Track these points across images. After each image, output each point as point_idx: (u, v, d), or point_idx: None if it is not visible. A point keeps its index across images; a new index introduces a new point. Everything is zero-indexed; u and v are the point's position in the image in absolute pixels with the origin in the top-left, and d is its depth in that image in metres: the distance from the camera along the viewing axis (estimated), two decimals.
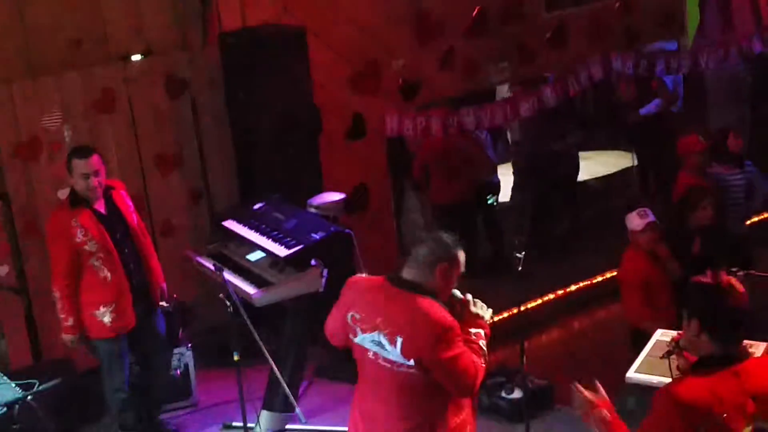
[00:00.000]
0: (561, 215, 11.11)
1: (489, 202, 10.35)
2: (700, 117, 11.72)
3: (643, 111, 11.16)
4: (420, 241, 4.69)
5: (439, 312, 4.48)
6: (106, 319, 6.60)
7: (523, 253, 6.23)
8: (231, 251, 7.32)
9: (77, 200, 6.59)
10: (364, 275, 5.23)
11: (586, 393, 4.14)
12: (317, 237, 6.80)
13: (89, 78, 7.82)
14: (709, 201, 7.90)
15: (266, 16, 8.48)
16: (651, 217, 7.44)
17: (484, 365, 4.60)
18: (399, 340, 4.48)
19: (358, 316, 4.64)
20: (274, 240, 7.00)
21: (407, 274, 4.61)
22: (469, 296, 4.77)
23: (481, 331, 4.69)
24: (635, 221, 7.45)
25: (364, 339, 4.62)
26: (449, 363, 4.45)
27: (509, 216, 11.25)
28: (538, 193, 10.85)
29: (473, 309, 4.72)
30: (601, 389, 4.17)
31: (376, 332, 4.55)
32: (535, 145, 10.80)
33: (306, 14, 8.53)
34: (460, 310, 4.69)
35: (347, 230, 6.92)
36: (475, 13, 9.63)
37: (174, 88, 8.20)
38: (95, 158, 6.58)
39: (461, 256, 4.64)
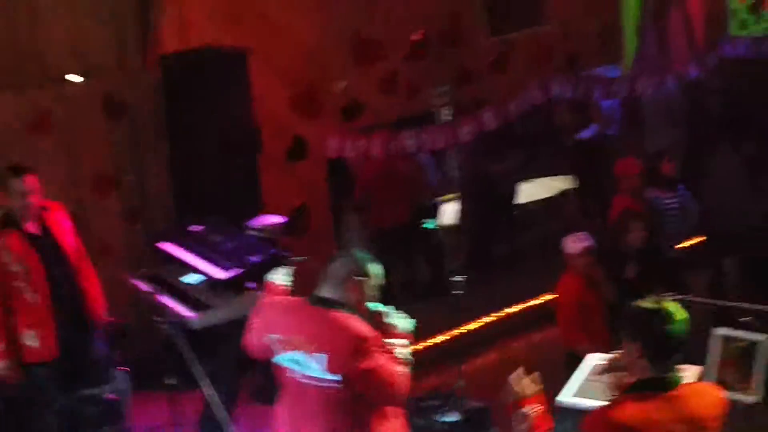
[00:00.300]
0: (500, 238, 11.16)
1: (426, 226, 10.35)
2: (637, 140, 11.85)
3: (580, 135, 11.27)
4: (334, 258, 4.80)
5: (356, 324, 4.58)
6: (32, 343, 6.50)
7: (463, 276, 6.25)
8: (168, 273, 7.26)
9: (7, 221, 6.49)
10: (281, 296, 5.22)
11: (519, 387, 4.17)
12: (256, 260, 6.78)
13: (25, 99, 7.74)
14: (641, 224, 7.98)
15: (207, 38, 8.45)
16: (587, 242, 7.51)
17: (405, 373, 4.66)
18: (321, 357, 4.55)
19: (278, 337, 4.71)
20: (212, 262, 6.96)
21: (324, 291, 4.70)
22: (384, 307, 4.83)
23: (401, 340, 4.75)
24: (572, 245, 7.52)
25: (283, 358, 4.70)
26: (369, 373, 4.52)
27: (449, 239, 11.28)
28: (477, 215, 10.89)
29: (386, 320, 4.79)
30: (538, 382, 4.20)
31: (297, 351, 4.62)
32: (476, 168, 10.84)
33: (247, 36, 8.51)
34: (378, 321, 4.76)
35: (284, 253, 6.89)
36: (417, 36, 9.68)
37: (113, 110, 8.14)
38: (31, 177, 6.51)
39: (373, 269, 4.75)
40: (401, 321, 4.83)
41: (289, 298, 5.00)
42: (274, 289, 5.22)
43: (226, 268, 6.81)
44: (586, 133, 11.28)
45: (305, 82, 9.07)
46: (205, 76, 8.07)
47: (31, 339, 6.49)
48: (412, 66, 9.73)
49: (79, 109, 8.01)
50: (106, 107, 8.12)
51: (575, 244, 7.50)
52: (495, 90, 10.38)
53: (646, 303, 4.02)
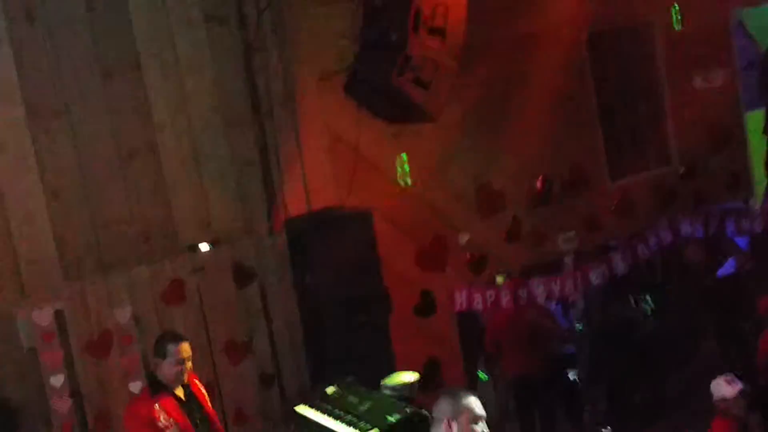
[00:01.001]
0: (639, 384, 10.80)
1: (572, 379, 10.11)
2: None
3: (720, 272, 10.95)
4: (435, 401, 4.93)
5: None
6: None
7: (609, 428, 6.01)
8: None
9: (159, 387, 6.62)
10: None
11: None
12: (393, 420, 6.64)
13: (158, 270, 7.89)
14: None
15: (331, 200, 8.55)
16: (740, 384, 7.17)
17: None
18: None
19: None
20: (349, 424, 6.84)
21: None
22: None
23: None
24: (725, 388, 7.17)
25: None
26: None
27: (585, 387, 10.99)
28: (614, 361, 10.59)
29: None
30: None
31: None
32: (606, 313, 10.62)
33: (370, 197, 8.58)
34: None
35: (423, 411, 6.74)
36: (540, 183, 9.64)
37: (242, 276, 8.22)
38: (186, 344, 6.69)
39: (469, 404, 4.79)
40: None
41: None
42: None
43: (363, 430, 6.68)
44: (725, 270, 10.96)
45: (430, 236, 9.05)
46: (331, 237, 8.10)
47: None
48: (535, 213, 9.65)
49: (210, 278, 8.10)
50: (235, 274, 8.20)
51: (728, 386, 7.16)
52: (620, 233, 10.20)
53: None
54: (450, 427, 4.76)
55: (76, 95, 7.62)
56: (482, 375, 10.44)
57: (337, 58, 8.39)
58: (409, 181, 8.79)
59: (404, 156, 8.44)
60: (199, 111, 8.08)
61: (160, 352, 6.67)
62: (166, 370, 6.63)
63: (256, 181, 8.34)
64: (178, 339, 6.72)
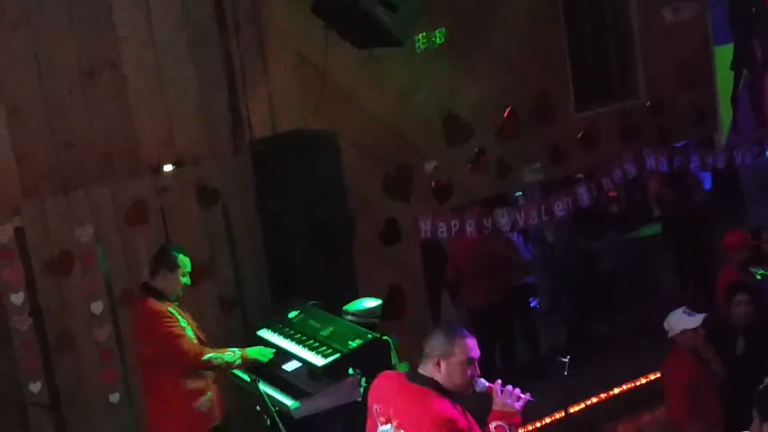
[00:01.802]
0: (599, 317, 10.93)
1: (532, 305, 10.20)
2: (736, 212, 11.59)
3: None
4: (429, 334, 4.81)
5: (440, 405, 4.54)
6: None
7: (568, 357, 6.05)
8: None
9: (161, 296, 6.81)
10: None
11: None
12: (354, 345, 6.67)
13: (121, 190, 7.80)
14: (747, 297, 7.73)
15: (297, 122, 8.46)
16: (700, 316, 7.23)
17: None
18: None
19: (378, 408, 4.79)
20: (311, 349, 6.87)
21: (421, 368, 4.73)
22: (498, 385, 4.78)
23: (502, 424, 4.68)
24: (686, 320, 7.22)
25: (381, 431, 4.73)
26: None
27: (544, 317, 11.12)
28: (576, 294, 10.69)
29: (499, 399, 4.74)
30: None
31: (389, 424, 4.68)
32: (572, 246, 10.68)
33: (337, 122, 8.50)
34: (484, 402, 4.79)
35: (385, 337, 6.77)
36: (506, 114, 9.60)
37: (206, 197, 8.15)
38: None
39: (463, 345, 4.69)
40: (513, 399, 4.74)
41: (398, 372, 5.05)
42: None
43: (324, 355, 6.71)
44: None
45: (396, 164, 9.01)
46: (296, 160, 8.03)
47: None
48: (501, 144, 9.62)
49: (173, 198, 8.02)
50: (199, 195, 8.12)
51: (690, 318, 7.22)
52: (587, 166, 10.21)
53: None
54: (438, 365, 4.65)
55: (37, 7, 7.42)
56: None
57: None
58: None
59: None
60: (163, 27, 7.89)
61: (168, 264, 6.84)
62: (171, 281, 6.83)
63: (221, 101, 8.21)
64: (185, 251, 6.90)
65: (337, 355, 6.66)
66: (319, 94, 8.39)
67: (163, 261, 6.91)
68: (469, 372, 4.70)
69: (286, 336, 7.17)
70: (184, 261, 6.95)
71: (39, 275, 7.51)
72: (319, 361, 6.68)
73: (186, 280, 6.99)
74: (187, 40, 8.01)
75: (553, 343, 10.58)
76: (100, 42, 7.69)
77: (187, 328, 6.84)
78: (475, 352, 4.74)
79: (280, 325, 7.35)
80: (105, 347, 7.73)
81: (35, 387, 7.48)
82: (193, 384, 6.86)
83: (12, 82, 7.41)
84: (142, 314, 6.92)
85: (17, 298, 7.42)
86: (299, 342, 7.03)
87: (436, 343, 4.70)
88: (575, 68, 10.06)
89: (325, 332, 7.00)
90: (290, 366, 6.96)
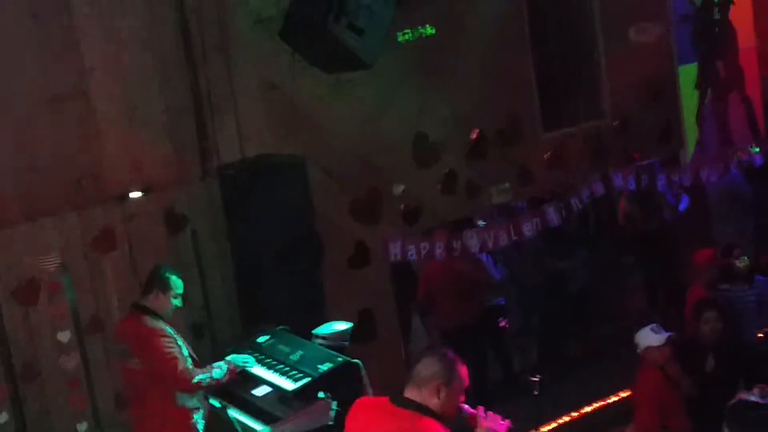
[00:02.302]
0: (570, 335, 10.95)
1: (501, 325, 10.21)
2: (704, 229, 11.67)
3: (681, 206, 11.08)
4: (419, 359, 4.74)
5: (431, 428, 4.50)
6: None
7: (539, 376, 6.07)
8: (236, 387, 7.13)
9: (157, 316, 6.80)
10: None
11: None
12: (324, 369, 6.65)
13: (88, 217, 7.76)
14: (716, 314, 7.77)
15: (264, 148, 8.46)
16: (666, 333, 7.27)
17: None
18: None
19: None
20: (281, 374, 6.85)
21: (409, 393, 4.64)
22: (481, 411, 4.76)
23: None
24: (651, 337, 7.27)
25: None
26: None
27: (515, 337, 11.12)
28: (545, 312, 10.72)
29: (484, 423, 4.71)
30: None
31: None
32: (541, 266, 10.71)
33: (304, 146, 8.52)
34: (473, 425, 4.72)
35: (355, 360, 6.76)
36: (474, 135, 9.64)
37: (174, 224, 8.12)
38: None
39: (463, 374, 4.67)
40: (497, 424, 4.73)
41: (377, 398, 4.93)
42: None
43: (295, 379, 6.69)
44: (683, 204, 11.09)
45: (364, 187, 9.02)
46: (264, 184, 8.02)
47: None
48: (470, 165, 9.66)
49: (141, 225, 7.98)
50: (167, 222, 8.09)
51: (655, 335, 7.26)
52: (556, 185, 10.26)
53: (751, 396, 3.83)
54: (437, 392, 4.61)
55: (4, 35, 7.40)
56: None
57: (273, 1, 8.26)
58: None
59: None
60: (131, 54, 7.89)
61: (162, 284, 6.82)
62: (164, 302, 6.82)
63: (189, 127, 8.21)
64: (178, 273, 6.93)
65: (308, 380, 6.64)
66: (287, 119, 8.41)
67: (156, 282, 6.88)
68: (462, 399, 4.73)
69: (256, 361, 7.14)
70: (177, 282, 6.93)
71: (5, 304, 7.45)
72: (289, 385, 6.66)
73: (177, 301, 6.96)
74: (154, 67, 8.01)
75: (524, 363, 10.59)
76: (67, 69, 7.69)
77: (183, 347, 6.81)
78: (467, 381, 4.77)
79: (250, 350, 7.31)
80: (72, 375, 7.67)
81: (2, 418, 7.41)
82: (189, 402, 6.81)
83: None
84: (137, 332, 6.84)
85: None
86: (269, 367, 7.01)
87: (436, 371, 4.63)
88: (542, 89, 10.13)
89: (294, 356, 6.98)
90: (260, 391, 6.91)
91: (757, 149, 10.81)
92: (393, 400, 4.67)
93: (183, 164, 8.22)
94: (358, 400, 4.96)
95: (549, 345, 10.69)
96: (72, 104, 7.71)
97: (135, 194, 8.03)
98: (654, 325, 7.41)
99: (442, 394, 4.60)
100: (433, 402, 4.59)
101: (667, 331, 7.34)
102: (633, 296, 11.82)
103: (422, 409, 4.57)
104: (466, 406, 4.73)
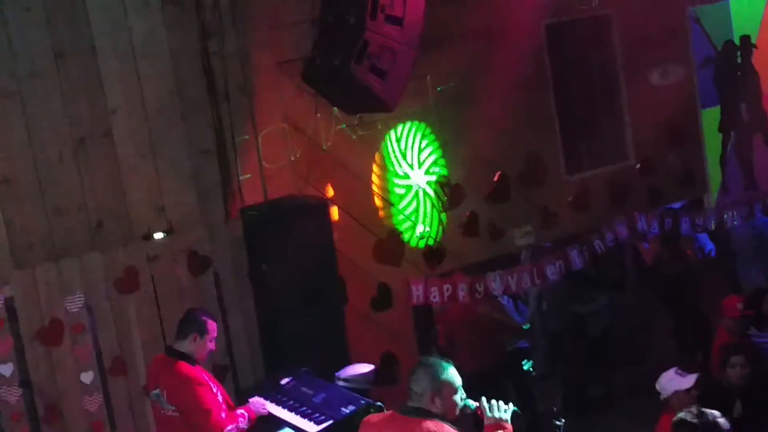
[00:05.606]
0: (594, 379, 10.85)
1: (525, 368, 10.12)
2: (729, 273, 11.59)
3: (706, 250, 11.06)
4: (412, 374, 5.09)
5: (441, 429, 4.88)
6: None
7: (563, 420, 6.00)
8: (259, 430, 7.09)
9: (191, 360, 6.77)
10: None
11: None
12: (347, 411, 6.61)
13: (112, 258, 7.77)
14: (744, 360, 7.68)
15: (287, 189, 8.47)
16: (692, 377, 7.17)
17: None
18: None
19: None
20: (303, 416, 6.81)
21: (413, 404, 5.04)
22: (484, 402, 5.11)
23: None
24: (678, 381, 7.17)
25: None
26: None
27: (539, 381, 11.02)
28: (569, 356, 10.63)
29: (491, 414, 5.06)
30: None
31: None
32: (564, 309, 10.64)
33: (326, 185, 8.52)
34: (480, 417, 5.07)
35: (378, 403, 6.71)
36: (496, 178, 9.64)
37: (197, 265, 8.12)
38: None
39: (449, 377, 5.02)
40: (503, 412, 5.07)
41: (384, 413, 5.36)
42: None
43: (317, 422, 6.64)
44: (709, 246, 11.06)
45: (386, 228, 9.01)
46: (287, 226, 8.02)
47: None
48: (492, 208, 9.64)
49: (164, 266, 7.99)
50: (190, 263, 8.09)
51: (682, 378, 7.16)
52: (578, 228, 10.22)
53: None
54: (433, 401, 4.92)
55: (28, 76, 7.46)
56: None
57: (295, 43, 8.31)
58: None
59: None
60: (154, 95, 7.93)
61: (199, 329, 6.79)
62: (201, 347, 6.79)
63: (212, 168, 8.23)
64: (214, 317, 6.96)
65: (330, 422, 6.60)
66: (309, 161, 8.41)
67: (193, 325, 6.84)
68: (459, 398, 5.08)
69: (279, 403, 7.10)
70: (213, 326, 6.93)
71: (29, 346, 7.45)
72: (312, 428, 6.61)
73: (213, 345, 6.97)
74: (178, 108, 8.05)
75: (548, 407, 10.48)
76: (92, 111, 7.73)
77: (217, 393, 6.78)
78: (459, 379, 5.07)
79: (273, 392, 7.27)
80: (95, 417, 7.65)
81: None
82: None
83: (3, 152, 7.42)
84: (172, 379, 6.81)
85: (6, 369, 7.36)
86: (291, 409, 6.96)
87: (425, 384, 5.01)
88: (565, 131, 10.13)
89: (317, 399, 6.94)
90: None
91: None
92: (400, 410, 5.07)
93: (206, 205, 8.23)
94: (363, 420, 5.33)
95: (573, 389, 10.58)
96: (96, 144, 7.75)
97: (158, 235, 8.05)
98: (677, 368, 7.33)
99: (438, 401, 4.97)
100: (434, 409, 4.94)
101: (689, 372, 7.26)
102: (660, 340, 11.73)
103: (428, 414, 4.91)
104: (470, 401, 5.11)
